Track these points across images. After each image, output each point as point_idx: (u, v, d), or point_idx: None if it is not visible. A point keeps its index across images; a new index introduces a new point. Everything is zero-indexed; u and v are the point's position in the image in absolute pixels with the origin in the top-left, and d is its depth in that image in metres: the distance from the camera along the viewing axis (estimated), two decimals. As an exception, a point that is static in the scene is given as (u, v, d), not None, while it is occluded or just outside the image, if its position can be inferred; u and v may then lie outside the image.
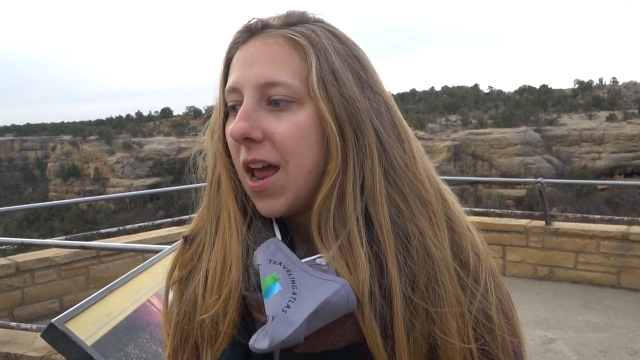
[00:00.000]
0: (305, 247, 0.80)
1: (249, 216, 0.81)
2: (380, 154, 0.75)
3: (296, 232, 0.83)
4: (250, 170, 0.77)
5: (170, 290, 0.89)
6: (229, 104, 0.79)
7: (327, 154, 0.75)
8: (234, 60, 0.79)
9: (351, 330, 0.71)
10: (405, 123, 0.81)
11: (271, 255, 0.74)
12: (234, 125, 0.73)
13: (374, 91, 0.78)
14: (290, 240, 0.82)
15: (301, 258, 0.75)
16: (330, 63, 0.75)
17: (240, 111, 0.74)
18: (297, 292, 0.69)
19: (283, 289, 0.70)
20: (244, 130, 0.73)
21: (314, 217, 0.75)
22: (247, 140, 0.74)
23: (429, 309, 0.70)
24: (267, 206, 0.77)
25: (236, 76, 0.77)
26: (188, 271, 0.87)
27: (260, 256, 0.75)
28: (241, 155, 0.76)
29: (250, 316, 0.78)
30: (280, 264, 0.73)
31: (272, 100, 0.74)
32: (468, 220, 0.84)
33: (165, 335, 0.89)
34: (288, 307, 0.68)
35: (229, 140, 0.77)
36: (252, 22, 0.80)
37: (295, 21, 0.79)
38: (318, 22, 0.80)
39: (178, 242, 0.96)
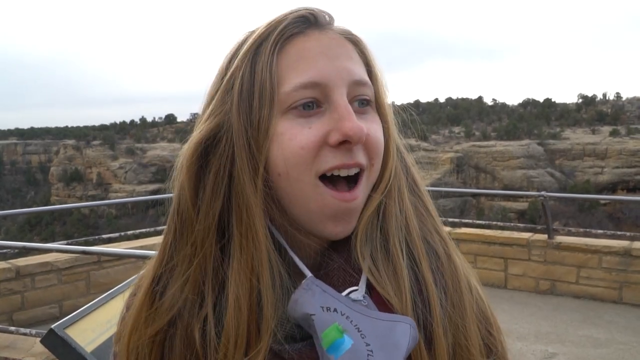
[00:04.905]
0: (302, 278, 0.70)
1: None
2: (404, 166, 0.78)
3: (300, 255, 0.72)
4: (327, 182, 0.67)
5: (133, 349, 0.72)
6: (302, 101, 0.67)
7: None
8: (297, 51, 0.69)
9: None
10: None
11: (321, 300, 0.64)
12: (354, 125, 0.65)
13: None
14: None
15: None
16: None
17: (347, 109, 0.66)
18: (369, 342, 0.62)
19: (355, 342, 0.61)
20: (365, 130, 0.66)
21: (360, 230, 0.70)
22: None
23: (459, 317, 0.70)
24: (344, 225, 0.68)
25: (319, 69, 0.67)
26: (165, 324, 0.70)
27: (309, 303, 0.64)
28: (328, 162, 0.66)
29: None
30: (336, 310, 0.64)
31: (361, 100, 0.70)
32: None
33: None
34: None
35: (305, 148, 0.66)
36: (311, 12, 0.72)
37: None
38: None
39: (136, 276, 0.78)
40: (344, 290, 0.67)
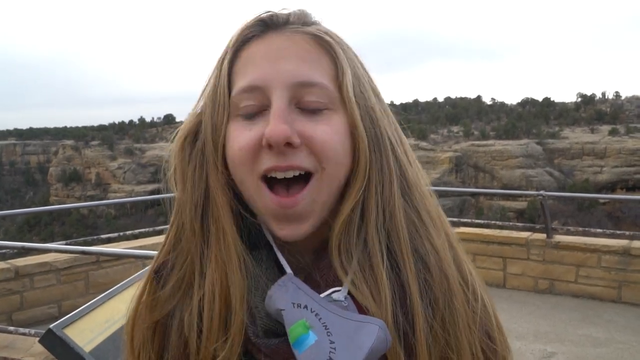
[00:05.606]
0: (300, 275, 0.71)
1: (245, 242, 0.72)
2: (397, 169, 0.72)
3: (289, 257, 0.73)
4: (269, 184, 0.68)
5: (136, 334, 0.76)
6: (242, 108, 0.69)
7: (353, 166, 0.70)
8: (247, 56, 0.70)
9: None
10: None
11: (293, 297, 0.66)
12: (274, 128, 0.64)
13: (384, 105, 0.76)
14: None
15: None
16: (355, 69, 0.72)
17: (275, 112, 0.66)
18: (334, 339, 0.63)
19: (319, 339, 0.62)
20: (287, 133, 0.64)
21: (335, 236, 0.69)
22: (287, 146, 0.65)
23: (448, 333, 0.69)
24: (291, 230, 0.68)
25: (259, 73, 0.68)
26: (166, 313, 0.74)
27: (281, 298, 0.66)
28: (264, 164, 0.67)
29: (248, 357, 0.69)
30: (306, 307, 0.65)
31: (305, 102, 0.68)
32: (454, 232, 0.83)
33: None
34: (331, 359, 0.62)
35: (242, 149, 0.68)
36: (268, 15, 0.72)
37: (311, 22, 0.74)
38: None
39: (145, 270, 0.82)
40: (328, 289, 0.68)
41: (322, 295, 0.67)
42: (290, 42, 0.69)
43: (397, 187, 0.71)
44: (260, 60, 0.69)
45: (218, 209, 0.70)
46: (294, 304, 0.65)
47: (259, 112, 0.68)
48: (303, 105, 0.68)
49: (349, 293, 0.68)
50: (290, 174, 0.67)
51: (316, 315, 0.64)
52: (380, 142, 0.71)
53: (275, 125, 0.65)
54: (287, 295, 0.66)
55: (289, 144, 0.65)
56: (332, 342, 0.62)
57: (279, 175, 0.67)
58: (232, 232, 0.69)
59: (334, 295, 0.67)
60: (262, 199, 0.68)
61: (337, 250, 0.69)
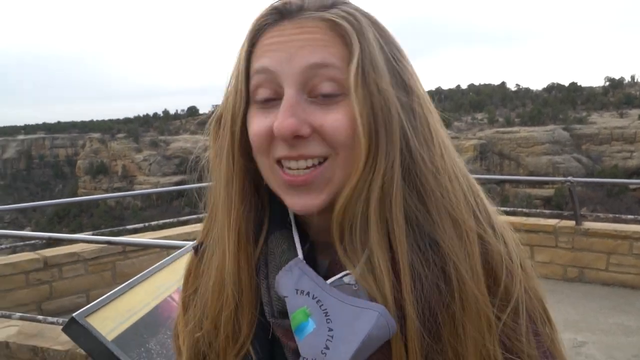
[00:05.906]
0: (327, 257, 0.72)
1: (265, 224, 0.76)
2: (406, 159, 0.68)
3: (315, 237, 0.75)
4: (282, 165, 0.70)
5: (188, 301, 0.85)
6: (258, 95, 0.70)
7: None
8: (261, 45, 0.71)
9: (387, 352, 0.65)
10: (438, 123, 0.73)
11: (297, 282, 0.67)
12: (282, 122, 0.65)
13: (409, 86, 0.71)
14: (310, 246, 0.74)
15: (324, 269, 0.70)
16: (372, 53, 0.68)
17: (284, 105, 0.66)
18: (333, 327, 0.63)
19: (317, 327, 0.63)
20: (294, 127, 0.65)
21: (335, 223, 0.68)
22: (296, 138, 0.66)
23: (441, 349, 0.65)
24: (304, 202, 0.69)
25: (271, 62, 0.68)
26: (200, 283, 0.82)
27: (286, 285, 0.68)
28: (277, 152, 0.69)
29: (265, 333, 0.73)
30: (309, 293, 0.66)
31: (317, 89, 0.67)
32: (503, 222, 0.78)
33: (180, 345, 0.84)
34: (327, 347, 0.62)
35: (257, 135, 0.70)
36: (282, 3, 0.72)
37: (329, 4, 0.71)
38: (348, 4, 0.72)
39: (190, 244, 0.90)
40: (341, 271, 0.68)
41: (334, 278, 0.67)
42: (302, 30, 0.69)
43: (400, 178, 0.67)
44: (273, 49, 0.69)
45: (234, 192, 0.74)
46: (297, 290, 0.67)
47: (274, 99, 0.69)
48: (315, 93, 0.68)
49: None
50: (302, 165, 0.68)
51: (318, 302, 0.65)
52: (391, 129, 0.67)
53: (282, 119, 0.66)
54: (291, 282, 0.68)
55: (298, 136, 0.66)
56: (330, 330, 0.63)
57: (293, 165, 0.68)
58: (237, 214, 0.74)
59: (345, 279, 0.67)
60: (277, 176, 0.71)
61: (339, 236, 0.68)
